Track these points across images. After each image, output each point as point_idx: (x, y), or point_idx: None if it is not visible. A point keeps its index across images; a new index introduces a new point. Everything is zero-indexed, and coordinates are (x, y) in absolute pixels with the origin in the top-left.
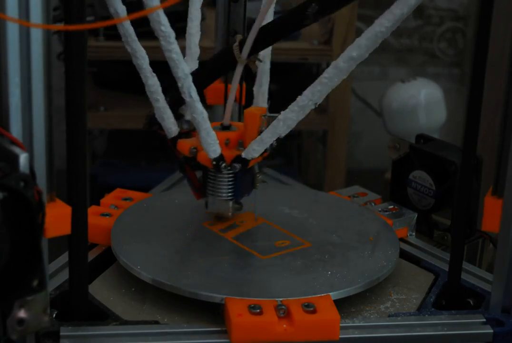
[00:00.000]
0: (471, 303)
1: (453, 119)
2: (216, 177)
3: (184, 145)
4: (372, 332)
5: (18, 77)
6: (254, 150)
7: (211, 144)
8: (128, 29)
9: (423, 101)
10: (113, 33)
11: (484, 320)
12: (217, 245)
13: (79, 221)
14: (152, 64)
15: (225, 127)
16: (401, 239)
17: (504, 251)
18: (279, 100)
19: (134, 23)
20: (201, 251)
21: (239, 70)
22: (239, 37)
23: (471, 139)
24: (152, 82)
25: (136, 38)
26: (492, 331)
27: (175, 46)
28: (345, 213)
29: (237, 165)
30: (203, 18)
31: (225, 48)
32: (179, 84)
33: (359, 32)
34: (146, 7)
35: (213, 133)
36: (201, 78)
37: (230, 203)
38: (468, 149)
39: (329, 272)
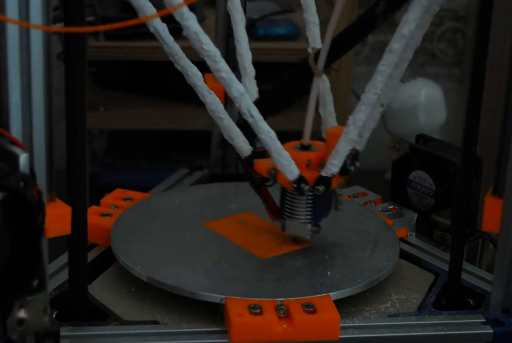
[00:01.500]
0: (471, 303)
1: (453, 119)
2: (294, 198)
3: (262, 166)
4: (372, 332)
5: (18, 77)
6: (332, 164)
7: (286, 165)
8: (173, 47)
9: (423, 101)
10: (113, 33)
11: (484, 320)
12: (217, 245)
13: (79, 221)
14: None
15: (305, 147)
16: (401, 239)
17: (504, 251)
18: (280, 100)
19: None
20: (201, 251)
21: (317, 83)
22: (314, 49)
23: (471, 139)
24: (211, 100)
25: (184, 56)
26: (492, 331)
27: (223, 65)
28: (345, 213)
29: (321, 188)
30: (202, 19)
31: (301, 61)
32: (237, 105)
33: None
34: (183, 26)
35: (286, 153)
36: (279, 93)
37: (309, 226)
38: (468, 149)
39: (329, 272)
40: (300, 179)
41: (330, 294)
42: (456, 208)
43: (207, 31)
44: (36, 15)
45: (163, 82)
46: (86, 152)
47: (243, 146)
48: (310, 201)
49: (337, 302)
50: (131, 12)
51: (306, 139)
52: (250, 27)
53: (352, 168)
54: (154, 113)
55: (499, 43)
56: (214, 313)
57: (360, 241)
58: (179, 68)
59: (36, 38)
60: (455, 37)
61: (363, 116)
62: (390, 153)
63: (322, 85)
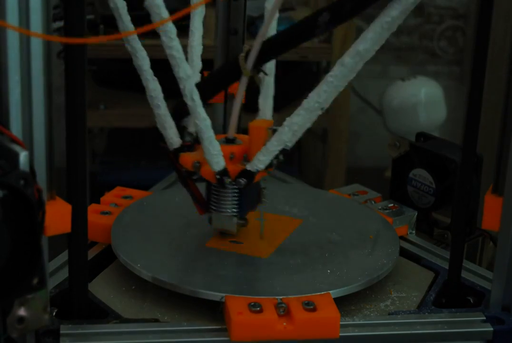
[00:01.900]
0: (471, 301)
1: (453, 118)
2: (220, 192)
3: (187, 159)
4: (372, 330)
5: (18, 75)
6: (260, 161)
7: (215, 155)
8: (128, 26)
9: (423, 99)
10: (113, 31)
11: (484, 318)
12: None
13: (79, 219)
14: (156, 63)
15: (230, 141)
16: (401, 237)
17: (504, 249)
18: (279, 98)
19: (134, 20)
20: (201, 249)
21: (243, 82)
22: (246, 47)
23: (471, 138)
24: (153, 86)
25: (136, 37)
26: (492, 329)
27: (176, 43)
28: (345, 211)
29: (242, 181)
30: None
31: (231, 59)
32: (181, 86)
33: (359, 31)
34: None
35: (216, 143)
36: (205, 89)
37: (235, 219)
38: (468, 147)
39: (329, 270)
40: (223, 172)
41: (330, 292)
42: (456, 206)
43: (206, 30)
44: (36, 14)
45: (163, 80)
46: (86, 150)
47: (173, 138)
48: (235, 194)
49: (337, 300)
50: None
51: (231, 132)
52: (250, 25)
53: (275, 162)
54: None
55: (499, 42)
56: (214, 311)
57: (360, 239)
58: (128, 48)
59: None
60: (455, 35)
61: (300, 121)
62: (390, 152)
63: (267, 78)
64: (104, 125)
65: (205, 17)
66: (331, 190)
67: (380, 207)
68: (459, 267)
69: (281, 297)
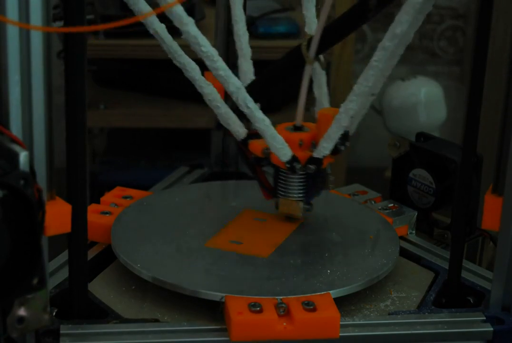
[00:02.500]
0: (471, 301)
1: (453, 118)
2: (287, 177)
3: (257, 146)
4: (372, 330)
5: (18, 75)
6: (324, 147)
7: (280, 148)
8: (172, 46)
9: (423, 99)
10: (113, 31)
11: (484, 318)
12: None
13: (79, 219)
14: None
15: (298, 128)
16: (401, 237)
17: (504, 249)
18: (279, 98)
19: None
20: (201, 249)
21: (308, 70)
22: (307, 36)
23: (471, 138)
24: (208, 91)
25: (183, 53)
26: (492, 329)
27: (220, 64)
28: (345, 211)
29: (312, 167)
30: (202, 17)
31: (293, 48)
32: (234, 98)
33: (359, 31)
34: (182, 31)
35: (279, 137)
36: (270, 79)
37: (301, 204)
38: (468, 147)
39: (329, 270)
40: (293, 159)
41: (330, 292)
42: (456, 206)
43: (207, 30)
44: (36, 14)
45: (163, 80)
46: (86, 150)
47: (239, 130)
48: (302, 180)
49: (337, 300)
50: (131, 10)
51: (298, 120)
52: (250, 25)
53: (342, 148)
54: (154, 112)
55: (499, 42)
56: (214, 311)
57: (360, 239)
58: (177, 64)
59: (36, 36)
60: (455, 35)
61: (355, 106)
62: (390, 152)
63: (317, 68)
64: (104, 125)
65: (205, 17)
66: (331, 189)
67: (380, 207)
68: (459, 267)
69: (281, 297)
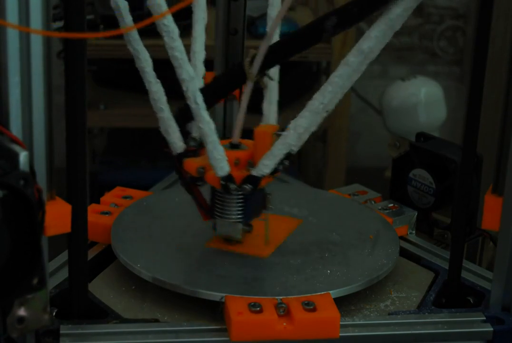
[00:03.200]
0: (471, 301)
1: (453, 118)
2: (224, 198)
3: (192, 164)
4: (372, 330)
5: (18, 76)
6: (265, 166)
7: (219, 160)
8: (129, 25)
9: (423, 99)
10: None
11: (484, 318)
12: None
13: (79, 219)
14: (156, 63)
15: (235, 146)
16: (401, 237)
17: (504, 249)
18: (279, 99)
19: (135, 20)
20: (201, 249)
21: (249, 87)
22: (252, 52)
23: (471, 138)
24: (156, 88)
25: (138, 38)
26: (492, 329)
27: (179, 44)
28: (345, 211)
29: (248, 187)
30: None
31: (236, 64)
32: (183, 88)
33: (359, 31)
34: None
35: (221, 147)
36: (210, 94)
37: (240, 225)
38: (468, 147)
39: (329, 270)
40: (228, 177)
41: (330, 292)
42: (456, 206)
43: (207, 30)
44: (36, 15)
45: (163, 80)
46: (86, 150)
47: (177, 142)
48: (240, 200)
49: (337, 300)
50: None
51: (235, 137)
52: (250, 25)
53: (280, 168)
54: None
55: (499, 42)
56: (214, 311)
57: (360, 239)
58: (130, 49)
59: (36, 37)
60: (455, 35)
61: (306, 123)
62: (390, 152)
63: (271, 83)
64: (104, 125)
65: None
66: (331, 190)
67: (380, 207)
68: (459, 267)
69: (281, 297)
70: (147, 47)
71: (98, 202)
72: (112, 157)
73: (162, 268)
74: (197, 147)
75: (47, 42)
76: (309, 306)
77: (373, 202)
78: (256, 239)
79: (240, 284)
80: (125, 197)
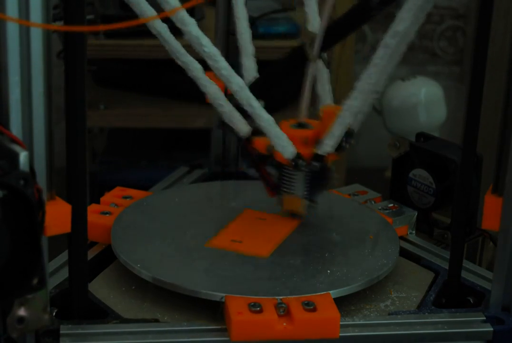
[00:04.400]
0: (471, 301)
1: (453, 118)
2: (291, 174)
3: (261, 143)
4: (372, 330)
5: (18, 76)
6: (327, 145)
7: (285, 146)
8: (174, 45)
9: (423, 99)
10: (113, 31)
11: (484, 318)
12: None
13: (79, 219)
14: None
15: (302, 125)
16: (401, 237)
17: (504, 249)
18: (279, 99)
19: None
20: (201, 249)
21: (312, 69)
22: (310, 34)
23: (471, 138)
24: (212, 89)
25: (185, 52)
26: (492, 329)
27: (223, 64)
28: (345, 211)
29: (316, 164)
30: (202, 17)
31: (296, 47)
32: (237, 97)
33: (359, 31)
34: (183, 31)
35: (283, 135)
36: (273, 77)
37: (305, 201)
38: (468, 147)
39: (329, 270)
40: (297, 156)
41: (330, 292)
42: (456, 206)
43: (207, 30)
44: (36, 13)
45: (163, 80)
46: (86, 150)
47: (243, 127)
48: (306, 177)
49: (337, 300)
50: (131, 10)
51: (302, 117)
52: (250, 25)
53: (347, 146)
54: (154, 112)
55: (499, 42)
56: (214, 311)
57: (360, 239)
58: (180, 64)
59: (36, 36)
60: (455, 35)
61: (357, 103)
62: (390, 152)
63: (320, 65)
64: (104, 125)
65: (205, 18)
66: (331, 189)
67: (380, 207)
68: (459, 267)
69: (281, 297)
70: (145, 47)
71: (98, 202)
72: (112, 157)
73: (162, 268)
74: None
75: (47, 42)
76: (309, 306)
77: (373, 202)
78: (256, 239)
79: (240, 284)
80: (125, 197)
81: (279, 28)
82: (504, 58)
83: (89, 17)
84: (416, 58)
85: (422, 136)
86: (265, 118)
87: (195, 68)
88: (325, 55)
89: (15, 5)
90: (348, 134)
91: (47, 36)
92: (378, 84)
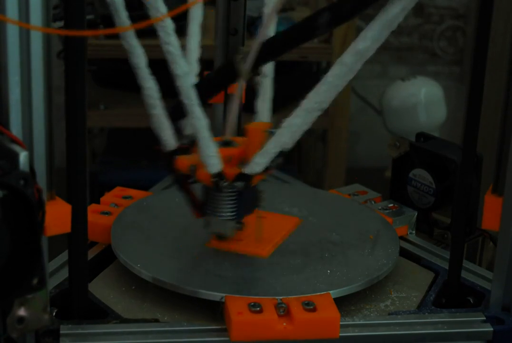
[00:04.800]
0: (471, 301)
1: (453, 118)
2: (216, 195)
3: (183, 162)
4: (372, 330)
5: (18, 76)
6: (257, 164)
7: (211, 157)
8: (124, 21)
9: (423, 99)
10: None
11: (484, 318)
12: None
13: (79, 219)
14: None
15: (227, 143)
16: (401, 237)
17: (504, 249)
18: (279, 99)
19: (134, 20)
20: (201, 249)
21: (241, 85)
22: (244, 49)
23: (471, 138)
24: (149, 84)
25: (133, 33)
26: (492, 329)
27: (173, 39)
28: (345, 211)
29: (240, 184)
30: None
31: (228, 61)
32: (177, 83)
33: (359, 31)
34: None
35: (213, 144)
36: (203, 90)
37: (231, 223)
38: (468, 147)
39: (329, 270)
40: (219, 175)
41: (330, 292)
42: (456, 206)
43: (207, 30)
44: (36, 15)
45: (163, 80)
46: (86, 150)
47: (169, 140)
48: (232, 198)
49: (337, 300)
50: (131, 10)
51: (228, 134)
52: (250, 25)
53: (273, 166)
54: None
55: (499, 42)
56: (214, 311)
57: (360, 239)
58: (125, 45)
59: (36, 36)
60: (455, 35)
61: (299, 122)
62: (390, 152)
63: (265, 81)
64: (104, 125)
65: (205, 17)
66: (331, 190)
67: (380, 207)
68: (459, 267)
69: (281, 297)
70: (144, 47)
71: (98, 202)
72: (112, 157)
73: (162, 268)
74: (189, 145)
75: (47, 42)
76: (309, 306)
77: (373, 202)
78: (256, 239)
79: (240, 284)
80: (125, 197)
81: (279, 28)
82: (504, 58)
83: (89, 17)
84: (416, 58)
85: (422, 136)
86: (198, 117)
87: (138, 55)
88: (263, 71)
89: (15, 6)
90: (279, 154)
91: (47, 36)
92: (325, 102)
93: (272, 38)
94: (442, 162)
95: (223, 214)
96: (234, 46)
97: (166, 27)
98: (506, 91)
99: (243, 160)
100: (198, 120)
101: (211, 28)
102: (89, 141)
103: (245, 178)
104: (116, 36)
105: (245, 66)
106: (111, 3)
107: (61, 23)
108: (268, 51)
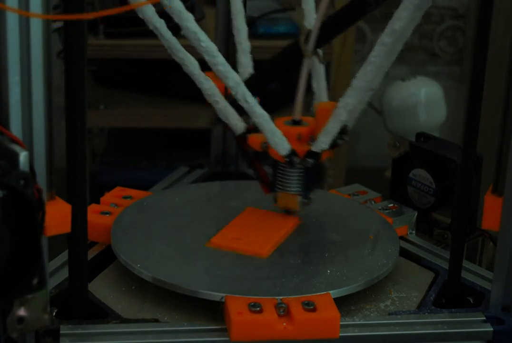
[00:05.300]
0: (471, 301)
1: (453, 118)
2: (286, 171)
3: (255, 140)
4: (372, 330)
5: (18, 76)
6: (322, 142)
7: (279, 142)
8: (171, 41)
9: (423, 99)
10: (113, 31)
11: (484, 318)
12: None
13: (79, 219)
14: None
15: (296, 122)
16: (401, 237)
17: (504, 249)
18: (279, 99)
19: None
20: (201, 249)
21: (306, 64)
22: (305, 30)
23: (471, 138)
24: (207, 86)
25: (181, 48)
26: (492, 329)
27: (220, 59)
28: (345, 211)
29: (310, 160)
30: (202, 17)
31: (291, 43)
32: (233, 93)
33: (359, 31)
34: (181, 26)
35: (278, 132)
36: (269, 73)
37: (299, 198)
38: (468, 147)
39: (329, 270)
40: (292, 152)
41: (330, 292)
42: (456, 206)
43: (206, 29)
44: (36, 10)
45: (163, 80)
46: (86, 150)
47: (237, 124)
48: (300, 174)
49: (337, 300)
50: (131, 10)
51: (297, 114)
52: (250, 25)
53: (341, 142)
54: (154, 112)
55: (499, 42)
56: (214, 311)
57: (360, 239)
58: (176, 59)
59: (36, 36)
60: (455, 35)
61: (353, 100)
62: (390, 152)
63: (315, 62)
64: (104, 125)
65: (205, 17)
66: (331, 189)
67: (380, 207)
68: (459, 267)
69: (281, 297)
70: (145, 47)
71: (98, 202)
72: (112, 157)
73: (162, 268)
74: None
75: (47, 42)
76: (309, 306)
77: (373, 202)
78: (256, 239)
79: (240, 284)
80: (125, 197)
81: (279, 28)
82: (504, 58)
83: None
84: (416, 58)
85: (422, 136)
86: (260, 114)
87: (190, 64)
88: (320, 51)
89: (15, 5)
90: (343, 131)
91: (47, 35)
92: (373, 82)
93: (330, 18)
94: (442, 162)
95: (292, 189)
96: (234, 46)
97: (210, 51)
98: (506, 91)
99: (313, 139)
100: (260, 117)
101: (211, 28)
102: (89, 141)
103: (314, 155)
104: (116, 36)
105: (309, 46)
106: (154, 29)
107: (61, 23)
108: (329, 30)
